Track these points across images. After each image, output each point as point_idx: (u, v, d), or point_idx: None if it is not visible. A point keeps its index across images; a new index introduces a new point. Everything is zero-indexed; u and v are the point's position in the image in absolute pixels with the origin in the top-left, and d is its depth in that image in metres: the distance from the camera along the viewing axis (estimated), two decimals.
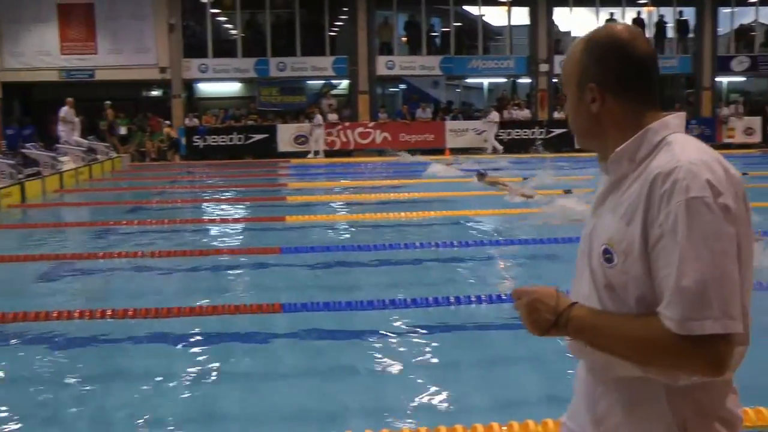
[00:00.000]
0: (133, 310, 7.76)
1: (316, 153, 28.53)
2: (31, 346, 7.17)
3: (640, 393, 2.04)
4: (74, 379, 6.28)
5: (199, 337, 7.18)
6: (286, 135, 29.37)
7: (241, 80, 32.55)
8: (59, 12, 29.83)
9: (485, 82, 35.70)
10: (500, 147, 28.90)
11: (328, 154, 28.68)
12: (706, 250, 1.85)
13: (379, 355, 6.55)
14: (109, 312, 7.75)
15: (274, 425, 5.18)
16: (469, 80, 35.10)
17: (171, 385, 6.07)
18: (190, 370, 6.36)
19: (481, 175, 17.12)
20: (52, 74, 30.00)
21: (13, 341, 7.27)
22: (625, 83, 2.10)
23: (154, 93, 33.11)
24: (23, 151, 21.51)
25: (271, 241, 11.65)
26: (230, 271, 10.06)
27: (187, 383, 6.09)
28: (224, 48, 31.23)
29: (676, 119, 2.11)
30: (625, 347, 1.98)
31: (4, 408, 5.62)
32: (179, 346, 6.98)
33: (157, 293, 8.87)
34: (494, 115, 29.62)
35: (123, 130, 30.56)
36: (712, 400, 2.01)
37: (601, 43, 2.12)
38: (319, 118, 28.74)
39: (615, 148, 2.09)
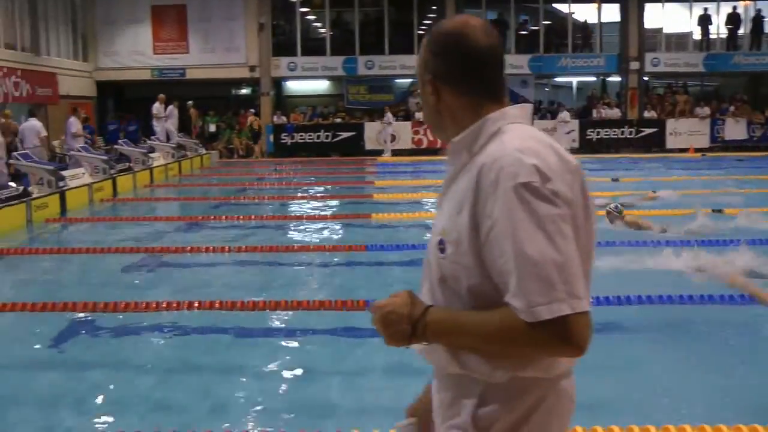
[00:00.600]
0: (220, 302, 7.80)
1: (387, 152, 28.42)
2: (119, 336, 7.25)
3: (461, 388, 2.03)
4: (154, 366, 6.30)
5: (283, 332, 7.15)
6: (373, 133, 29.36)
7: (329, 78, 32.67)
8: (153, 13, 30.41)
9: (574, 80, 35.10)
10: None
11: (416, 152, 28.56)
12: (540, 234, 1.82)
13: None
14: (196, 304, 7.80)
15: (378, 418, 5.04)
16: (558, 79, 34.54)
17: (267, 375, 6.07)
18: (280, 362, 6.34)
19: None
20: (145, 73, 30.60)
21: (102, 330, 7.36)
22: (460, 76, 2.07)
23: (244, 91, 33.50)
24: (116, 147, 22.04)
25: (357, 238, 11.60)
26: (316, 268, 10.03)
27: (281, 375, 6.06)
28: (313, 46, 31.34)
29: (516, 110, 2.08)
30: (486, 343, 1.93)
31: (105, 395, 5.67)
32: (264, 339, 6.97)
33: (243, 287, 8.90)
34: (565, 114, 29.14)
35: (212, 128, 31.02)
36: (522, 400, 1.98)
37: (438, 37, 2.11)
38: (389, 116, 28.68)
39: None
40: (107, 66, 30.69)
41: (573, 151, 27.20)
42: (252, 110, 30.11)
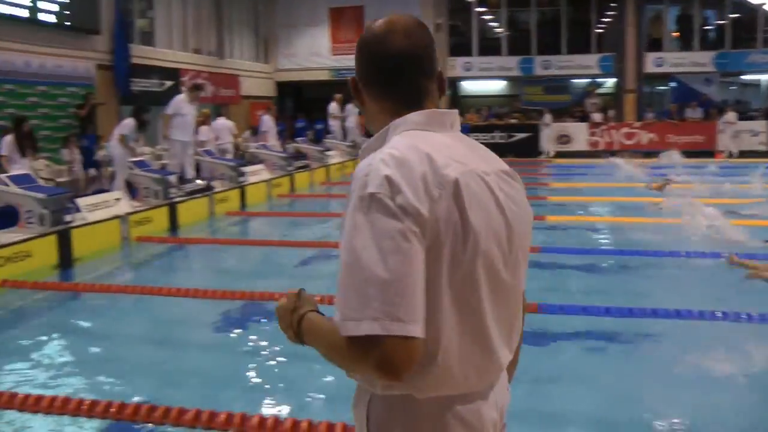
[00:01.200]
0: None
1: (548, 153, 27.86)
2: None
3: (357, 395, 1.97)
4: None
5: None
6: (549, 134, 28.91)
7: (505, 78, 32.49)
8: (331, 15, 31.18)
9: (763, 78, 33.24)
10: (735, 152, 26.87)
11: (592, 154, 27.90)
12: (372, 248, 1.71)
13: (631, 363, 6.22)
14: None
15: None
16: (746, 77, 32.85)
17: None
18: None
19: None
20: (323, 74, 31.41)
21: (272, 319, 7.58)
22: (373, 79, 2.00)
23: None
24: (295, 144, 22.72)
25: (534, 240, 11.32)
26: None
27: None
28: (489, 46, 31.20)
29: (419, 116, 1.95)
30: (331, 353, 1.83)
31: (273, 380, 5.84)
32: None
33: None
34: (730, 116, 27.77)
35: None
36: (405, 416, 1.86)
37: (360, 39, 2.04)
38: (547, 117, 28.11)
39: None
40: (286, 67, 31.75)
41: (760, 154, 25.92)
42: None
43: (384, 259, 1.70)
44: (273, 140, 21.42)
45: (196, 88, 16.03)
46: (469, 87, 33.63)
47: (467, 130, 28.76)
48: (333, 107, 24.58)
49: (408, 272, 1.71)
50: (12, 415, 5.15)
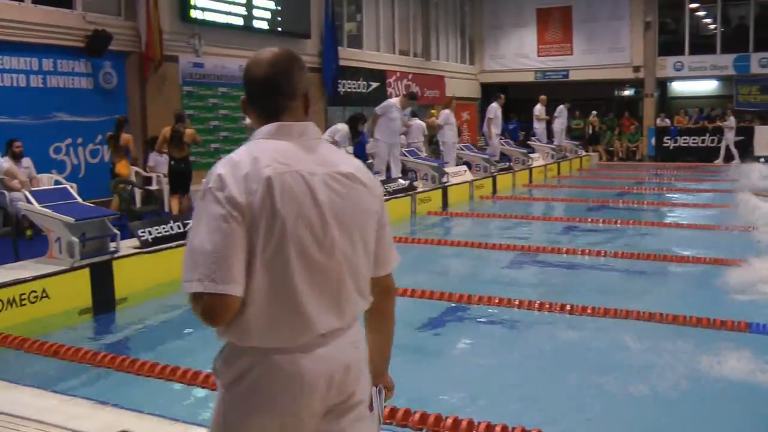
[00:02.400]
0: (592, 308, 7.63)
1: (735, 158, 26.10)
2: (487, 326, 7.38)
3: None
4: (527, 364, 6.31)
5: (650, 343, 6.78)
6: (764, 137, 27.26)
7: (718, 78, 30.91)
8: (538, 16, 30.86)
9: None
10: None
11: None
12: (203, 229, 2.24)
13: None
14: (568, 307, 7.71)
15: None
16: None
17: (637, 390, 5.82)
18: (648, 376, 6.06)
19: None
20: (528, 75, 31.15)
21: (472, 321, 7.54)
22: (248, 96, 2.51)
23: (626, 92, 32.82)
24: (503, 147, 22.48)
25: (736, 253, 10.57)
26: (687, 280, 9.47)
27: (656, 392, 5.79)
28: (701, 44, 29.74)
29: (270, 127, 2.42)
30: None
31: (463, 380, 5.80)
32: (629, 348, 6.68)
33: (614, 293, 8.66)
34: (731, 121, 25.78)
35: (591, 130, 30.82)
36: (233, 359, 2.35)
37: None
38: (731, 120, 26.35)
39: None
40: (492, 68, 31.72)
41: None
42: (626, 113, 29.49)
43: (209, 236, 2.23)
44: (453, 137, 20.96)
45: (412, 96, 16.24)
46: (679, 88, 32.25)
47: (675, 132, 27.61)
48: (538, 109, 24.20)
49: (225, 246, 2.23)
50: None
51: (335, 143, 14.12)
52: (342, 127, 14.41)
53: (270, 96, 2.46)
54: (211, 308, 2.23)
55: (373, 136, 15.80)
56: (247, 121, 23.33)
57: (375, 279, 2.56)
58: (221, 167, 2.31)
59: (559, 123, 24.56)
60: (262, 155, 2.32)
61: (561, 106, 24.57)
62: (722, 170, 23.91)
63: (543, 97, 24.18)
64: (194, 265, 2.23)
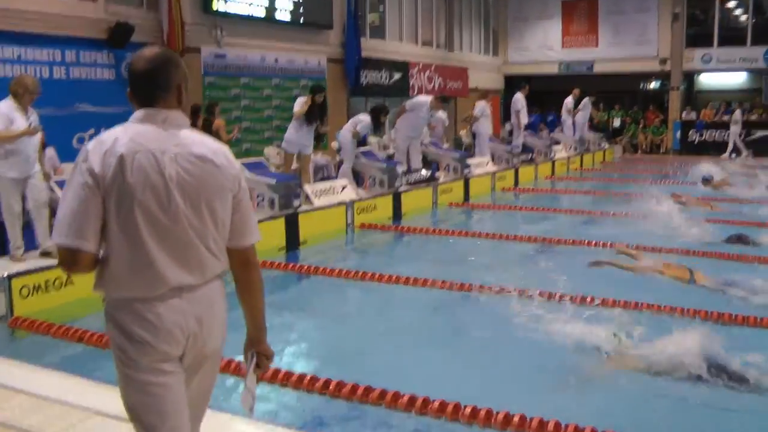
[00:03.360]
0: (612, 300, 7.59)
1: (743, 150, 25.83)
2: (501, 315, 7.33)
3: None
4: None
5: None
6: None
7: (747, 71, 30.52)
8: (563, 8, 30.66)
9: None
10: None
11: None
12: (69, 194, 2.75)
13: None
14: (588, 299, 7.67)
15: None
16: None
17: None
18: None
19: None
20: (552, 67, 30.95)
21: (491, 312, 7.50)
22: (131, 88, 2.94)
23: (652, 85, 32.52)
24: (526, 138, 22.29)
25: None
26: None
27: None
28: (731, 36, 29.28)
29: (140, 113, 2.89)
30: None
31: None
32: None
33: (632, 286, 8.56)
34: (737, 114, 25.69)
35: (617, 122, 30.60)
36: (109, 307, 2.84)
37: None
38: (737, 113, 26.05)
39: None
40: (516, 60, 31.54)
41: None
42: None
43: (71, 200, 2.73)
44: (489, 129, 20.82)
45: (444, 100, 16.19)
46: (706, 81, 31.87)
47: (701, 126, 27.29)
48: (569, 101, 23.94)
49: (81, 209, 2.71)
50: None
51: (357, 134, 14.10)
52: (364, 118, 14.35)
53: (146, 87, 2.90)
54: (64, 258, 2.75)
55: (394, 127, 15.77)
56: (569, 102, 23.57)
57: (234, 251, 2.96)
58: (91, 144, 2.79)
59: (582, 115, 24.29)
60: (123, 136, 2.79)
61: (585, 99, 24.34)
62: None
63: (576, 90, 23.90)
64: (59, 224, 2.74)
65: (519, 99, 20.24)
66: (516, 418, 4.72)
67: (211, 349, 2.93)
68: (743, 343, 6.41)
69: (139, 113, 2.89)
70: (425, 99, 15.50)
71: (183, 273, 2.81)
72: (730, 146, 26.50)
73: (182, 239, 2.80)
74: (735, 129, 26.36)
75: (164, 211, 2.76)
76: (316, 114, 12.96)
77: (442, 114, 19.57)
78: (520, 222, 13.15)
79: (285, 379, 5.45)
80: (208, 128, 12.48)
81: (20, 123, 8.19)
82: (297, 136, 12.96)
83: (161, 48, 3.02)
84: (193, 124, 12.41)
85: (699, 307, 7.32)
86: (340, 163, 14.76)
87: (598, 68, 30.09)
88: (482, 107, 18.85)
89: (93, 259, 2.77)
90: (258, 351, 3.06)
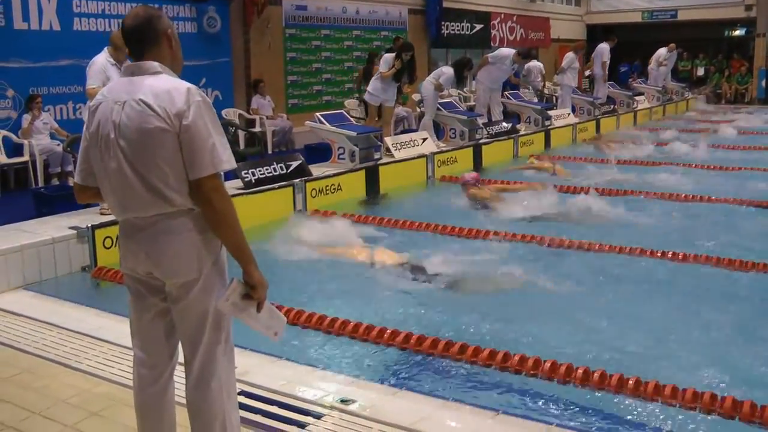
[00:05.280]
0: (706, 256, 7.58)
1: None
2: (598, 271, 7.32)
3: None
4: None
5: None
6: None
7: None
8: None
9: None
10: None
11: None
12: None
13: None
14: (658, 253, 7.62)
15: None
16: None
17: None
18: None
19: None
20: (636, 15, 30.27)
21: (577, 266, 7.49)
22: (125, 44, 3.28)
23: (736, 33, 31.54)
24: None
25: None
26: None
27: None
28: None
29: (124, 66, 3.50)
30: None
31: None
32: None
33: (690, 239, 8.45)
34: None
35: (701, 71, 29.85)
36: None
37: None
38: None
39: None
40: (598, 9, 30.89)
41: None
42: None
43: (80, 147, 3.33)
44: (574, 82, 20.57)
45: (526, 56, 15.92)
46: None
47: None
48: (663, 53, 23.33)
49: (83, 155, 3.30)
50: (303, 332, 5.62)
51: (439, 86, 14.03)
52: (447, 70, 14.27)
53: (133, 42, 3.22)
54: (75, 191, 3.45)
55: (475, 79, 15.68)
56: (661, 54, 23.44)
57: (191, 184, 3.07)
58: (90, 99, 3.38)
59: (667, 67, 23.74)
60: (104, 90, 3.28)
61: (671, 52, 23.72)
62: None
63: (672, 44, 23.34)
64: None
65: (605, 50, 19.69)
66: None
67: (180, 281, 3.14)
68: None
69: (123, 68, 3.40)
70: (508, 52, 15.35)
71: (127, 212, 3.17)
72: None
73: (123, 181, 3.10)
74: None
75: (108, 153, 3.12)
76: (403, 72, 13.00)
77: (537, 63, 19.41)
78: (600, 173, 12.89)
79: (361, 332, 5.55)
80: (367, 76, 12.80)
81: (115, 78, 8.26)
82: (381, 89, 13.02)
83: (143, 5, 3.31)
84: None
85: None
86: (422, 115, 14.76)
87: (681, 16, 29.34)
88: (571, 59, 18.55)
89: (94, 192, 3.33)
90: (246, 279, 3.13)
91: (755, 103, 27.35)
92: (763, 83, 27.60)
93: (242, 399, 3.76)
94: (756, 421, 4.23)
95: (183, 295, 3.15)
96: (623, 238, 8.18)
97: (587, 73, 22.26)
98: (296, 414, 4.17)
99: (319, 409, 4.22)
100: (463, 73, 14.55)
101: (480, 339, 5.35)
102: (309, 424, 4.06)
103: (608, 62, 19.82)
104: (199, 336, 3.19)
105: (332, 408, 4.23)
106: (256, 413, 4.15)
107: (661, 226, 9.09)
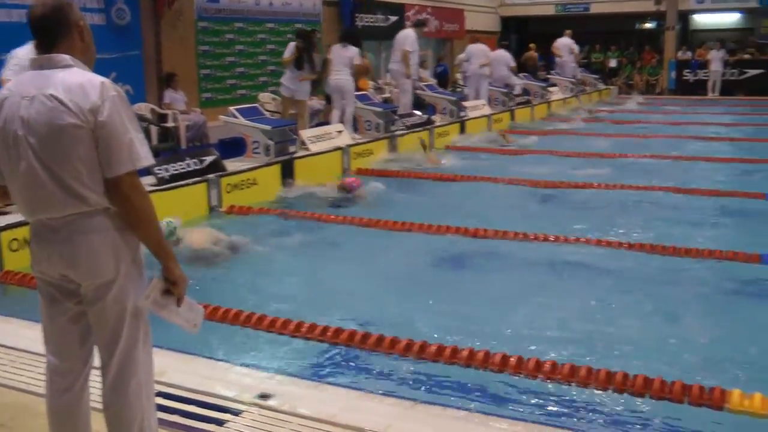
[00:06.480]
0: (597, 239, 7.78)
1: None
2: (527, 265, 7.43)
3: None
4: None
5: (669, 276, 6.86)
6: None
7: (741, 11, 30.43)
8: None
9: None
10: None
11: None
12: None
13: None
14: (572, 238, 7.81)
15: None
16: None
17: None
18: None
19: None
20: (549, 8, 30.75)
21: (491, 256, 7.60)
22: (32, 36, 3.08)
23: (647, 25, 32.37)
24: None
25: (755, 185, 10.68)
26: (707, 214, 9.46)
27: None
28: None
29: (30, 61, 3.12)
30: None
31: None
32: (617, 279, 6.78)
33: (620, 226, 8.68)
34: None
35: (613, 63, 30.51)
36: None
37: None
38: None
39: None
40: (513, 2, 31.28)
41: None
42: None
43: None
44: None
45: (421, 24, 16.07)
46: (702, 20, 31.85)
47: (696, 66, 27.26)
48: (569, 42, 23.79)
49: None
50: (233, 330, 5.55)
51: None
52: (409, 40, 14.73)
53: (40, 33, 3.04)
54: None
55: (408, 75, 15.64)
56: (562, 43, 23.43)
57: (107, 183, 2.95)
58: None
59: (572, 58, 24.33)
60: (9, 84, 3.17)
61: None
62: (743, 103, 23.83)
63: (569, 31, 23.82)
64: None
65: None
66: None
67: (97, 283, 3.03)
68: None
69: (31, 61, 3.09)
70: (411, 31, 15.43)
71: (37, 213, 3.02)
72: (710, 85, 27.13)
73: (34, 181, 2.94)
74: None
75: (17, 153, 2.95)
76: (303, 60, 12.94)
77: (505, 53, 19.60)
78: (514, 164, 13.09)
79: (270, 325, 5.51)
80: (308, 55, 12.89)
81: None
82: (289, 80, 12.97)
83: None
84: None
85: None
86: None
87: (594, 9, 29.93)
88: (469, 50, 18.83)
89: (2, 192, 3.14)
90: (165, 276, 3.08)
91: (666, 94, 28.12)
92: (674, 74, 28.37)
93: (160, 400, 3.66)
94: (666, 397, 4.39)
95: (100, 296, 3.04)
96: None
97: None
98: (215, 412, 4.10)
99: (237, 406, 4.15)
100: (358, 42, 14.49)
101: (397, 330, 5.37)
102: (227, 421, 4.00)
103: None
104: (117, 337, 3.09)
105: (251, 404, 4.18)
106: (173, 413, 4.06)
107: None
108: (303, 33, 13.33)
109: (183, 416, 4.06)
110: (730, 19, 31.46)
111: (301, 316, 5.59)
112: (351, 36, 14.49)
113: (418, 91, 16.63)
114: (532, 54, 26.19)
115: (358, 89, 14.64)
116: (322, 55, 14.27)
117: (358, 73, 15.11)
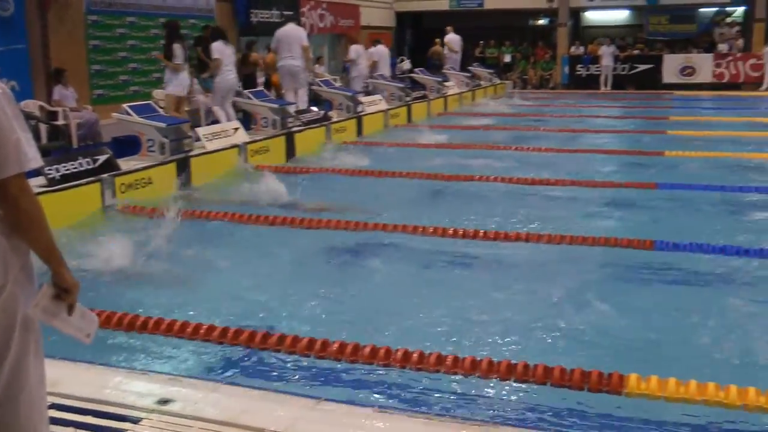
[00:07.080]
0: (505, 233, 7.89)
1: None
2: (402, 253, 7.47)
3: None
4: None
5: (553, 268, 7.01)
6: (672, 66, 27.88)
7: (629, 8, 31.39)
8: None
9: None
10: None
11: (716, 87, 26.84)
12: None
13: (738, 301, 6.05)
14: (472, 233, 7.92)
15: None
16: None
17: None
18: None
19: None
20: (443, 4, 31.02)
21: (392, 249, 7.63)
22: None
23: (540, 22, 33.07)
24: (412, 75, 22.61)
25: (647, 176, 11.13)
26: (603, 204, 9.74)
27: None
28: None
29: None
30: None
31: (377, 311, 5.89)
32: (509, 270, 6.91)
33: (513, 217, 8.88)
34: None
35: (507, 58, 31.03)
36: None
37: None
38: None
39: None
40: None
41: None
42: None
43: None
44: (386, 70, 21.32)
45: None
46: (593, 17, 32.75)
47: (588, 61, 28.08)
48: (456, 39, 24.21)
49: None
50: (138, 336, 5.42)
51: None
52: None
53: None
54: None
55: (310, 70, 15.78)
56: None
57: None
58: None
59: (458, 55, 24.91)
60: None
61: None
62: (633, 97, 24.62)
63: (449, 27, 24.40)
64: None
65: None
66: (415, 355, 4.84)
67: None
68: None
69: None
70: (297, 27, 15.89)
71: None
72: (602, 79, 28.19)
73: None
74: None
75: None
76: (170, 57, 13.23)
77: (383, 48, 19.82)
78: (413, 159, 13.20)
79: (180, 330, 5.39)
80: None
81: None
82: (171, 77, 13.06)
83: None
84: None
85: None
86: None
87: (488, 5, 30.35)
88: (356, 50, 19.22)
89: None
90: (55, 283, 2.93)
91: (559, 88, 28.80)
92: (567, 69, 29.08)
93: (53, 412, 3.55)
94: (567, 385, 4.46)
95: None
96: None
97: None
98: (112, 421, 3.96)
99: (136, 413, 4.04)
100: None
101: (296, 328, 5.34)
102: (126, 430, 3.90)
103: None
104: (6, 348, 2.89)
105: (151, 410, 4.08)
106: (68, 426, 3.92)
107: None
108: (169, 24, 13.76)
109: (79, 428, 3.93)
110: (619, 15, 32.45)
111: (198, 318, 5.50)
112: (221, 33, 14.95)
113: (314, 87, 16.58)
114: (438, 48, 26.53)
115: (255, 85, 14.59)
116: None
117: (267, 68, 15.28)
